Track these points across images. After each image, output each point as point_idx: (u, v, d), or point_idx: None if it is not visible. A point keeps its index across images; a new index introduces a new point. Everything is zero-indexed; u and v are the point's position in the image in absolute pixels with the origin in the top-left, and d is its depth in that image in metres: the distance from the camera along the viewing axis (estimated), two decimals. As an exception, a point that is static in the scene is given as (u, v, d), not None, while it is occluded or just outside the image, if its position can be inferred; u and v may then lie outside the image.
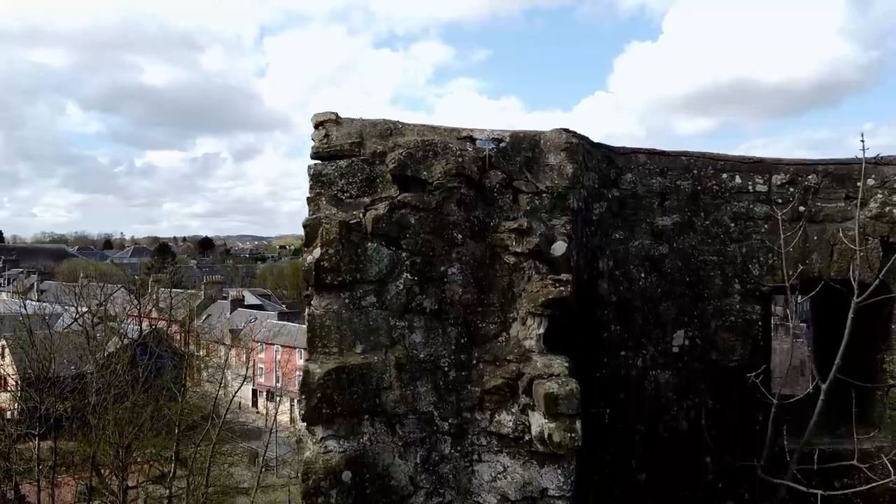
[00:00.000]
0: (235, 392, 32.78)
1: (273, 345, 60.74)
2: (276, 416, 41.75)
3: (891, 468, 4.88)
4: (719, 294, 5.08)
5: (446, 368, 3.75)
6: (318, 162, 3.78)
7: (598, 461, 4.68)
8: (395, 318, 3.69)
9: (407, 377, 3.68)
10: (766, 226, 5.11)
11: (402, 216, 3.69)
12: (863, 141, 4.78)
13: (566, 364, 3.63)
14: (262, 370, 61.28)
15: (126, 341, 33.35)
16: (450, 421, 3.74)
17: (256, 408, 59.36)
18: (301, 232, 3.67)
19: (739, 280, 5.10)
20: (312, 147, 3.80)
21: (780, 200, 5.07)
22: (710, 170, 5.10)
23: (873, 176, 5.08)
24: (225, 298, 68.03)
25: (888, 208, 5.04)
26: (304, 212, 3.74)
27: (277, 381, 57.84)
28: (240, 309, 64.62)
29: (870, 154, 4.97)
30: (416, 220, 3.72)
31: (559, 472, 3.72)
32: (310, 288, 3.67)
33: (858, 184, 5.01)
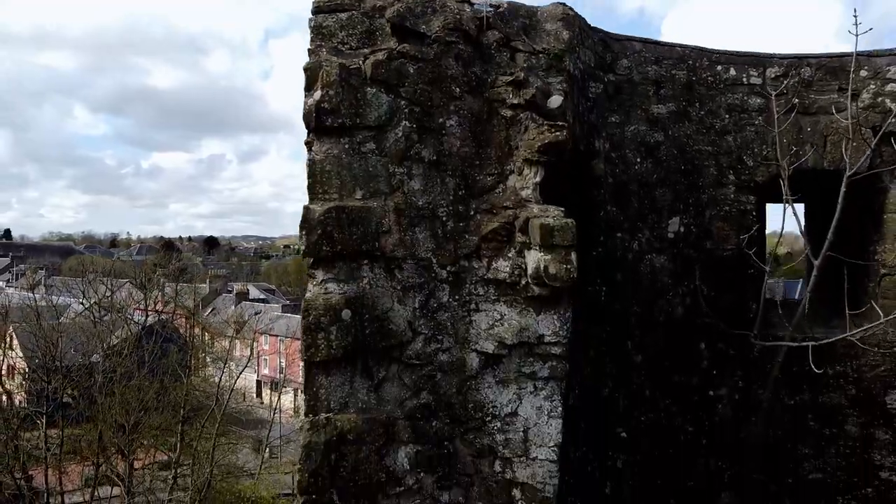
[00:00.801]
0: (240, 373, 32.78)
1: (277, 336, 60.71)
2: (279, 400, 41.84)
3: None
4: (714, 184, 5.11)
5: (444, 218, 3.78)
6: (320, 15, 3.82)
7: (595, 337, 4.71)
8: (394, 164, 3.72)
9: (406, 222, 3.71)
10: (760, 118, 5.14)
11: (400, 65, 3.73)
12: (856, 23, 4.80)
13: (562, 210, 3.66)
14: (267, 361, 61.30)
15: (133, 326, 33.43)
16: (448, 269, 3.77)
17: (261, 398, 59.34)
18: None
19: (734, 171, 5.13)
20: (314, 2, 3.85)
21: (774, 93, 5.10)
22: (705, 61, 5.13)
23: (866, 68, 5.11)
24: (230, 292, 68.00)
25: (880, 98, 5.06)
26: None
27: (281, 372, 57.74)
28: (244, 302, 64.61)
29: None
30: (414, 70, 3.75)
31: (555, 317, 3.75)
32: (310, 134, 3.71)
33: (852, 75, 5.04)
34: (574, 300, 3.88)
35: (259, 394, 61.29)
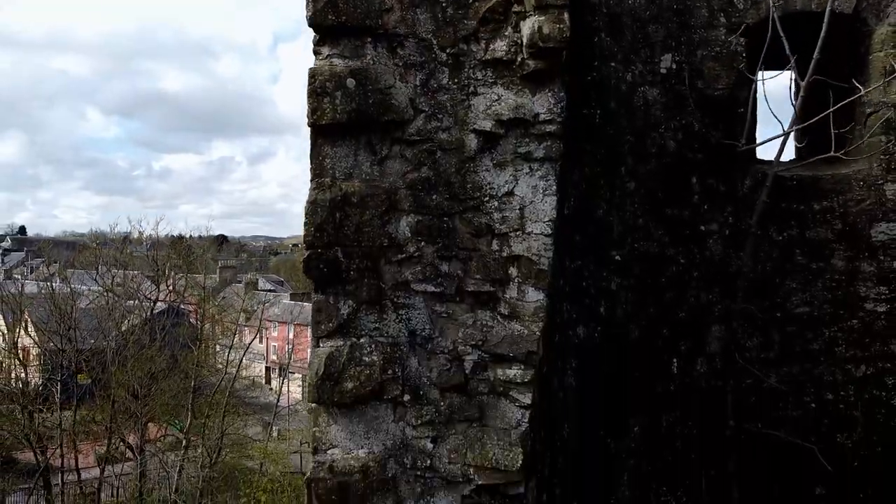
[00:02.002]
0: (247, 346, 32.94)
1: (286, 323, 60.99)
2: (287, 381, 42.02)
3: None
4: (705, 25, 5.20)
5: (444, 4, 3.89)
6: None
7: (590, 154, 4.82)
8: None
9: (407, 1, 3.82)
10: (749, -37, 5.24)
11: None
12: None
13: None
14: (276, 348, 61.59)
15: (145, 303, 33.67)
16: (447, 51, 3.87)
17: (270, 385, 59.59)
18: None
19: (724, 14, 5.22)
20: None
21: (762, -62, 5.19)
22: None
23: None
24: (239, 282, 68.28)
25: (867, -60, 5.16)
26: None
27: (289, 357, 57.83)
28: (254, 292, 64.80)
29: None
30: None
31: (549, 96, 3.85)
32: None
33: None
34: (568, 112, 4.00)
35: (268, 380, 61.56)
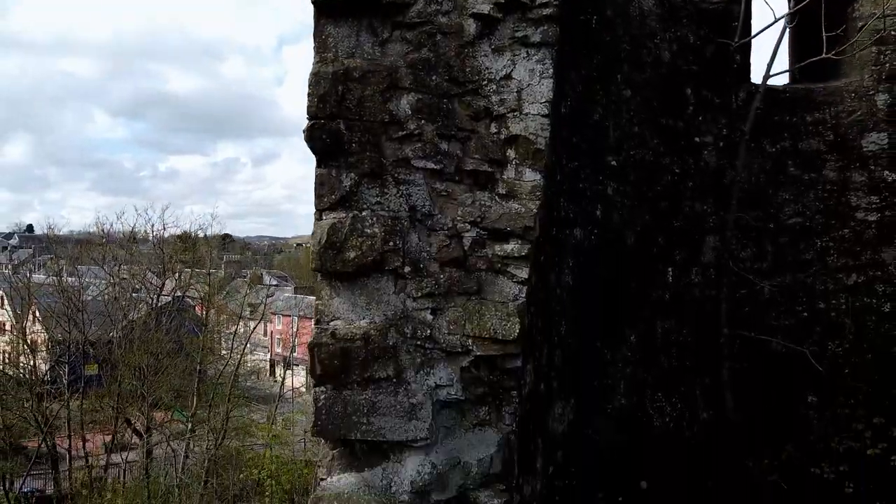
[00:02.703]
0: (252, 329, 33.01)
1: (289, 315, 61.16)
2: (292, 372, 42.06)
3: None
4: (699, -59, 5.27)
5: None
6: None
7: (587, 59, 4.88)
8: None
9: None
10: None
11: None
12: None
13: None
14: (280, 341, 61.71)
15: (152, 290, 33.82)
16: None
17: (273, 377, 59.63)
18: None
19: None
20: None
21: None
22: None
23: None
24: (244, 277, 68.33)
25: None
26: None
27: (293, 351, 58.01)
28: (258, 286, 64.87)
29: None
30: None
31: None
32: None
33: None
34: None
35: (272, 373, 61.59)
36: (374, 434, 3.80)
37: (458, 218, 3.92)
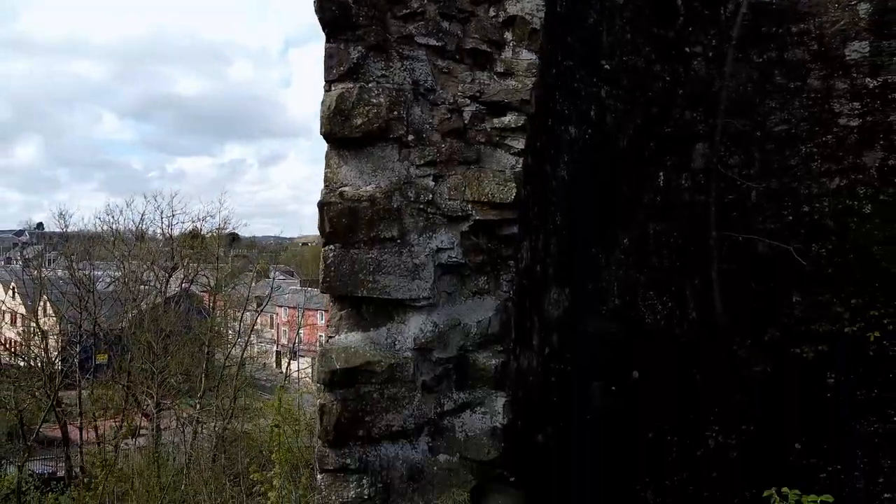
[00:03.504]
0: (258, 313, 33.23)
1: (295, 308, 61.34)
2: (298, 363, 42.25)
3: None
4: None
5: None
6: None
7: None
8: None
9: None
10: None
11: None
12: None
13: None
14: (286, 332, 61.98)
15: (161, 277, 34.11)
16: None
17: (280, 368, 59.87)
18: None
19: None
20: None
21: None
22: None
23: None
24: (250, 271, 68.63)
25: None
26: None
27: (299, 344, 58.33)
28: (265, 279, 65.33)
29: None
30: None
31: None
32: None
33: None
34: None
35: (278, 363, 61.84)
36: (380, 292, 4.00)
37: (459, 93, 4.12)
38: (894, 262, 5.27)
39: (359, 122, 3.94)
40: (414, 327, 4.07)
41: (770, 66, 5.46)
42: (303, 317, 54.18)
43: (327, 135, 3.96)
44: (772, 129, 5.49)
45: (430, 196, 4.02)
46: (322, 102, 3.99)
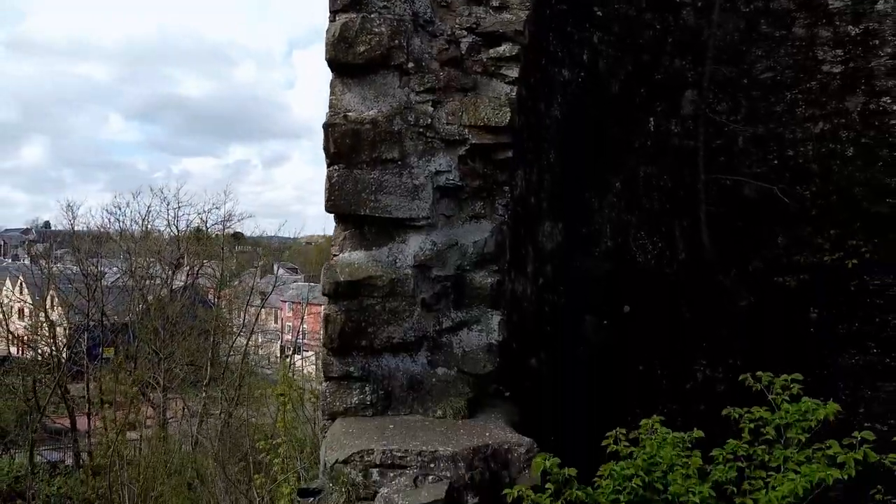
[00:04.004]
0: (263, 303, 33.41)
1: (299, 303, 61.53)
2: (302, 358, 42.41)
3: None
4: None
5: None
6: None
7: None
8: None
9: None
10: None
11: None
12: None
13: None
14: (290, 328, 62.20)
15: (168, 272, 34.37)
16: None
17: (284, 356, 59.96)
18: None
19: None
20: None
21: None
22: None
23: None
24: (254, 267, 68.95)
25: None
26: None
27: (304, 336, 58.55)
28: (269, 275, 65.61)
29: None
30: None
31: None
32: None
33: None
34: None
35: (282, 352, 61.95)
36: (381, 210, 4.20)
37: (456, 26, 4.32)
38: (874, 201, 5.45)
39: (361, 49, 4.13)
40: (414, 246, 4.27)
41: (756, 16, 5.64)
42: (307, 306, 54.35)
43: (331, 61, 4.15)
44: (758, 77, 5.67)
45: (429, 121, 4.21)
46: (326, 31, 4.18)
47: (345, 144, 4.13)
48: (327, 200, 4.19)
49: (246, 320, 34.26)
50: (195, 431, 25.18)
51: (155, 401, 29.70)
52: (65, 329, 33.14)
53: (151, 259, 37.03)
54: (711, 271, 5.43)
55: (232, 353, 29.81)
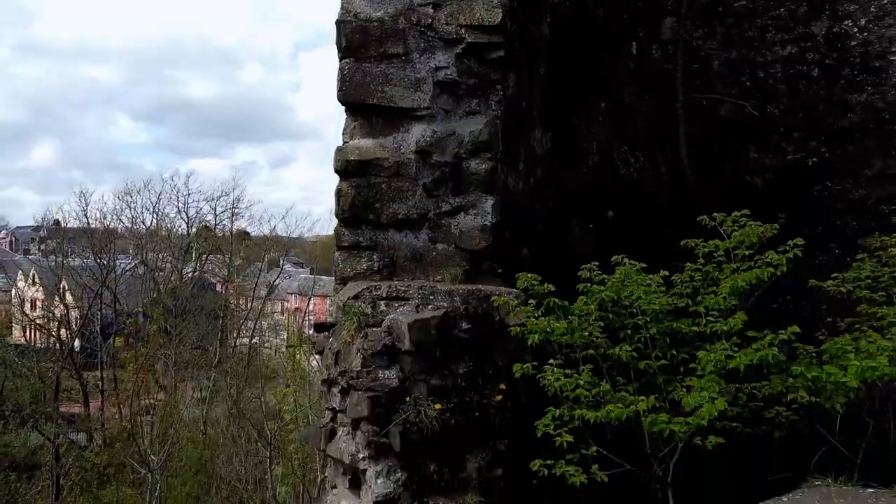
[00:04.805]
0: (269, 289, 33.90)
1: (306, 296, 62.12)
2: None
3: None
4: None
5: None
6: None
7: None
8: None
9: None
10: None
11: None
12: None
13: None
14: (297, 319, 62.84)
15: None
16: None
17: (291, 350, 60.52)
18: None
19: None
20: None
21: None
22: None
23: None
24: (261, 260, 69.59)
25: None
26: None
27: (310, 329, 58.96)
28: (276, 269, 66.34)
29: None
30: None
31: None
32: None
33: None
34: None
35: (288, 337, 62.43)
36: (387, 100, 4.68)
37: (454, -62, 4.79)
38: (837, 117, 5.90)
39: (368, -49, 4.61)
40: (416, 134, 4.75)
41: (729, -52, 6.11)
42: (313, 292, 54.90)
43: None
44: (732, 4, 6.13)
45: (430, 21, 4.69)
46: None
47: (355, 40, 4.61)
48: (339, 90, 4.67)
49: (254, 302, 34.77)
50: (206, 408, 25.70)
51: (166, 380, 30.22)
52: (78, 313, 33.67)
53: (162, 252, 37.62)
54: (691, 193, 5.87)
55: (242, 332, 30.32)
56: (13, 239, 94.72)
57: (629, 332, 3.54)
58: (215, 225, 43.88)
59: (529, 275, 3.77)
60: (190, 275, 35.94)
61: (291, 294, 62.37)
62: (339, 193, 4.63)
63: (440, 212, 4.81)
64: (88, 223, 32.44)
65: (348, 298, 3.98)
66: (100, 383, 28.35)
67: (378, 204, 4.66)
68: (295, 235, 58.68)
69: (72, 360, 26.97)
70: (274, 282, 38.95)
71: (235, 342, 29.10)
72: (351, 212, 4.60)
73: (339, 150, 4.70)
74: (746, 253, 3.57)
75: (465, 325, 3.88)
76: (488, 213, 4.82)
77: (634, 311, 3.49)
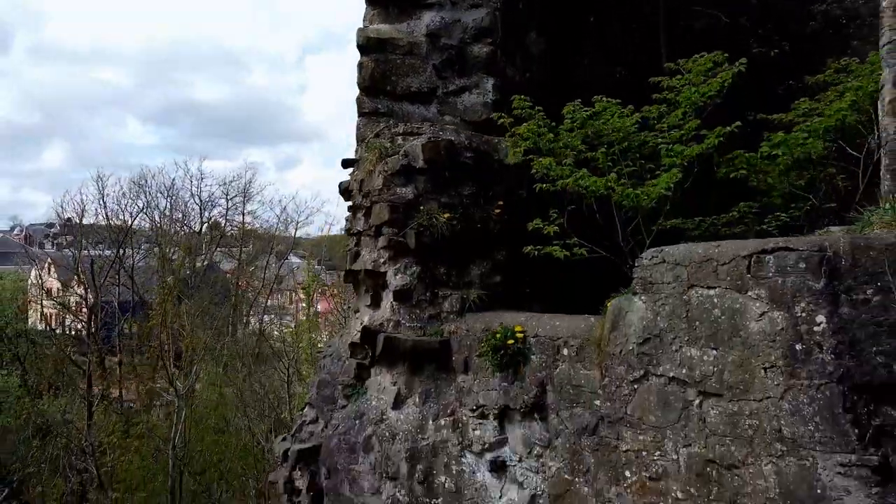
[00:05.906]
0: (275, 278, 34.46)
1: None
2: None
3: None
4: None
5: None
6: None
7: None
8: None
9: None
10: None
11: None
12: None
13: None
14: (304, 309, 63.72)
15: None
16: None
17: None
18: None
19: None
20: None
21: None
22: None
23: None
24: (270, 253, 70.40)
25: None
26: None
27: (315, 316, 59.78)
28: (283, 261, 67.12)
29: None
30: None
31: None
32: None
33: None
34: None
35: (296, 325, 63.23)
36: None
37: None
38: (802, 22, 6.55)
39: None
40: (427, 19, 5.42)
41: None
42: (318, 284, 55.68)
43: None
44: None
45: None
46: None
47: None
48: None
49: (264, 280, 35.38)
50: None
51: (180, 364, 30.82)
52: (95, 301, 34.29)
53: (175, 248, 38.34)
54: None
55: (252, 313, 30.98)
56: (28, 235, 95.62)
57: (605, 148, 4.19)
58: (226, 214, 44.67)
59: (522, 96, 4.42)
60: (201, 264, 36.74)
61: (299, 285, 63.30)
62: (360, 66, 5.29)
63: (447, 91, 5.48)
64: (105, 205, 32.93)
65: (370, 136, 4.64)
66: (118, 364, 28.98)
67: (394, 77, 5.33)
68: (303, 218, 59.34)
69: (94, 340, 27.61)
70: (279, 269, 39.61)
71: (247, 323, 29.70)
72: (371, 81, 5.26)
73: (360, 30, 5.36)
74: (701, 79, 4.21)
75: (468, 154, 4.53)
76: (489, 92, 5.48)
77: (609, 129, 4.14)
